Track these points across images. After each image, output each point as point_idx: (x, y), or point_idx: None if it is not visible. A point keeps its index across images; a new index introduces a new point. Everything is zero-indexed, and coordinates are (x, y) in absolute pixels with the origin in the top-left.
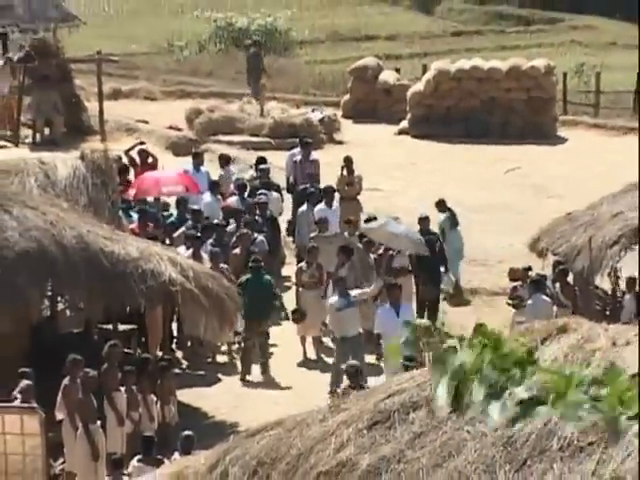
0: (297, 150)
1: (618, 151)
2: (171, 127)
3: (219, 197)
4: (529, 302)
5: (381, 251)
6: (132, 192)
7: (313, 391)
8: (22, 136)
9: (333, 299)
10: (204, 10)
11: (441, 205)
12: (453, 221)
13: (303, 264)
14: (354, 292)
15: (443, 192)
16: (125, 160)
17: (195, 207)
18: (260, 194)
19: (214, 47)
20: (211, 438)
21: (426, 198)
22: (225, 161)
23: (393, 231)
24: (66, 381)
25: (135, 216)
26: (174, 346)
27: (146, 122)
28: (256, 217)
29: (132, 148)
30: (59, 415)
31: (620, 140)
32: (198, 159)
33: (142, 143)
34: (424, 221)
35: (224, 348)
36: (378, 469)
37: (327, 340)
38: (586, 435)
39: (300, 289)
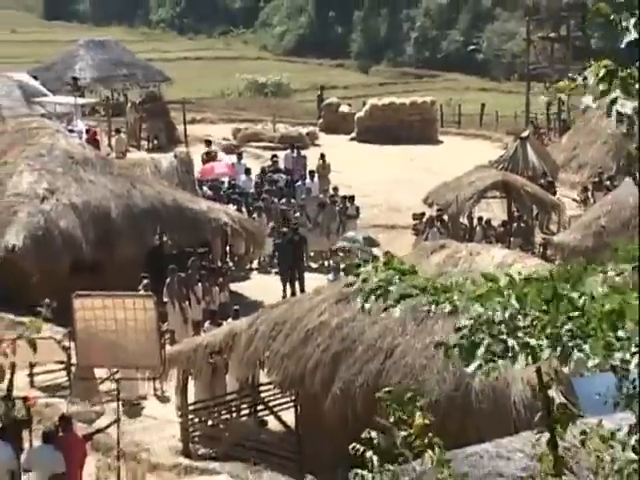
0: (290, 151)
1: (471, 148)
2: (224, 139)
3: (250, 177)
4: (431, 231)
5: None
6: (198, 175)
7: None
8: (142, 145)
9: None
10: (241, 73)
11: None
12: None
13: (297, 214)
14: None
15: (376, 171)
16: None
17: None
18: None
19: (247, 93)
20: (249, 310)
21: (365, 175)
22: (208, 143)
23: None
24: (168, 280)
25: (205, 188)
26: (228, 259)
27: (210, 136)
28: (272, 187)
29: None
30: (164, 299)
31: (472, 142)
32: (239, 156)
33: (209, 150)
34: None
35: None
36: (341, 325)
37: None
38: None
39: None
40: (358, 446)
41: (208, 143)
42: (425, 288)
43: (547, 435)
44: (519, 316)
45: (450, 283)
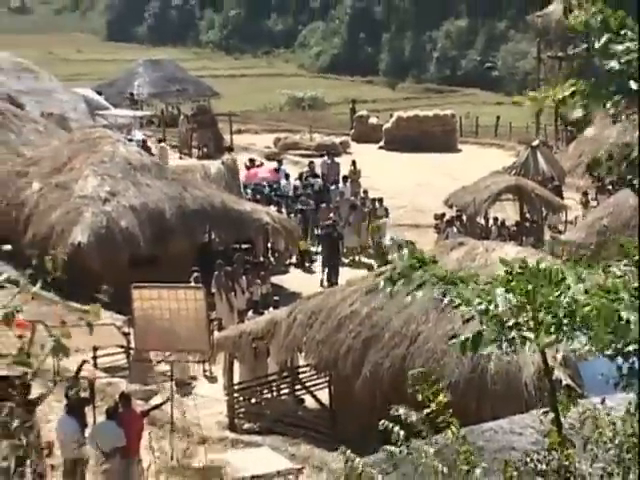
0: (326, 158)
1: (486, 155)
2: (266, 147)
3: (289, 181)
4: (450, 230)
5: (370, 207)
6: (243, 179)
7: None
8: (193, 152)
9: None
10: (282, 89)
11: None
12: None
13: (332, 214)
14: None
15: (401, 176)
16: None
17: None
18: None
19: (287, 107)
20: (288, 300)
21: (392, 180)
22: (230, 150)
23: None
24: (216, 273)
25: (249, 191)
26: (269, 255)
27: (254, 144)
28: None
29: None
30: (213, 290)
31: (487, 150)
32: (280, 162)
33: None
34: (379, 201)
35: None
36: (371, 314)
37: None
38: None
39: None
40: (387, 422)
41: (230, 150)
42: (444, 277)
43: (552, 414)
44: (520, 312)
45: (465, 275)
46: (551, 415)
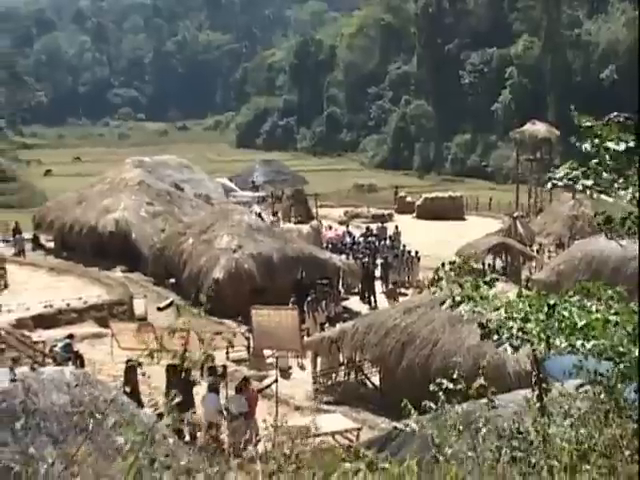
0: (379, 224)
1: (483, 223)
2: (339, 216)
3: (352, 238)
4: None
5: (407, 256)
6: (323, 237)
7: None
8: (292, 220)
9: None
10: (349, 178)
11: None
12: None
13: (382, 261)
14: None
15: (427, 236)
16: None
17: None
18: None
19: (353, 190)
20: (352, 317)
21: (421, 238)
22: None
23: None
24: (308, 299)
25: (327, 245)
26: (340, 287)
27: (331, 214)
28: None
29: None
30: (304, 309)
31: (484, 219)
32: (347, 226)
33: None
34: (415, 252)
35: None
36: (407, 326)
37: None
38: None
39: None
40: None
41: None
42: (469, 296)
43: (536, 392)
44: (526, 323)
45: (485, 295)
46: (536, 393)
